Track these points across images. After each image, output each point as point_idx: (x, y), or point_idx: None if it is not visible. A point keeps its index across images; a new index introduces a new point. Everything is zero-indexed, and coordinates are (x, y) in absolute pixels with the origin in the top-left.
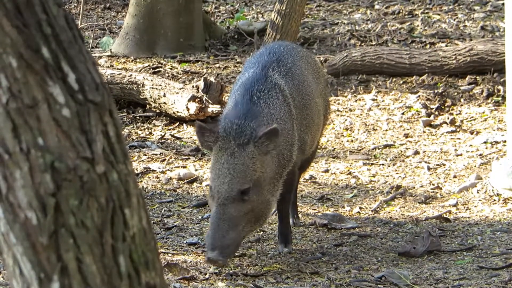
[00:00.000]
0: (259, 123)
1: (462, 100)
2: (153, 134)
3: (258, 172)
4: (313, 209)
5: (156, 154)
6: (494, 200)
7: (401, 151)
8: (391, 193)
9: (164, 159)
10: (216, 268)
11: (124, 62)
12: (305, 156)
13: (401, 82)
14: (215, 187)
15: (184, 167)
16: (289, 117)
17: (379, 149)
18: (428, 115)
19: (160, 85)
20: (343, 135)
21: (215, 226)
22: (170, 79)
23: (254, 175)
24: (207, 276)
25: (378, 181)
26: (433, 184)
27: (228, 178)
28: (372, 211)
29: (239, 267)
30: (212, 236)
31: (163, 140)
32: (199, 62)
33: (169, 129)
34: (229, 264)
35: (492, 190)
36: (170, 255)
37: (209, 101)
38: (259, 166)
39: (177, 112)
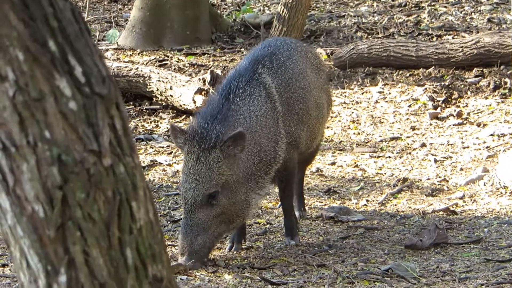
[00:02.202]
0: (228, 124)
1: (469, 92)
2: (160, 127)
3: (225, 175)
4: (319, 202)
5: (162, 147)
6: (501, 193)
7: (408, 144)
8: (397, 185)
9: (171, 152)
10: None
11: (130, 55)
12: (309, 150)
13: (408, 74)
14: (183, 193)
15: None
16: (272, 114)
17: (385, 141)
18: (435, 107)
19: (166, 78)
20: (349, 128)
21: (183, 232)
22: (177, 72)
23: (220, 179)
24: (214, 268)
25: (385, 173)
26: (439, 177)
27: (194, 184)
28: (378, 203)
29: (246, 260)
30: (181, 242)
31: (169, 133)
32: (206, 55)
33: (176, 122)
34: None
35: (499, 182)
36: (177, 247)
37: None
38: (226, 170)
39: (184, 104)
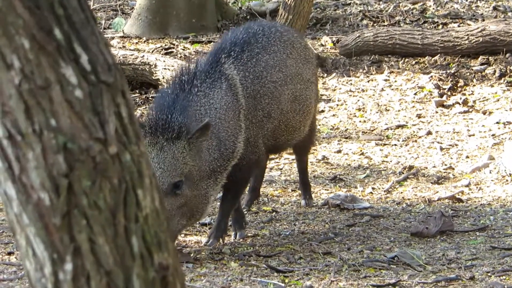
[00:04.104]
0: (189, 115)
1: (474, 80)
2: None
3: (189, 165)
4: (325, 190)
5: None
6: (507, 180)
7: (414, 132)
8: (403, 173)
9: None
10: None
11: (136, 43)
12: (288, 143)
13: (414, 62)
14: None
15: None
16: (233, 107)
17: (391, 129)
18: (441, 95)
19: (172, 66)
20: (355, 116)
21: None
22: (183, 60)
23: (185, 169)
24: (220, 256)
25: (391, 161)
26: (445, 165)
27: (158, 172)
28: (384, 191)
29: (252, 248)
30: None
31: None
32: (212, 43)
33: None
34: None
35: (505, 170)
36: (183, 235)
37: None
38: (190, 160)
39: None
